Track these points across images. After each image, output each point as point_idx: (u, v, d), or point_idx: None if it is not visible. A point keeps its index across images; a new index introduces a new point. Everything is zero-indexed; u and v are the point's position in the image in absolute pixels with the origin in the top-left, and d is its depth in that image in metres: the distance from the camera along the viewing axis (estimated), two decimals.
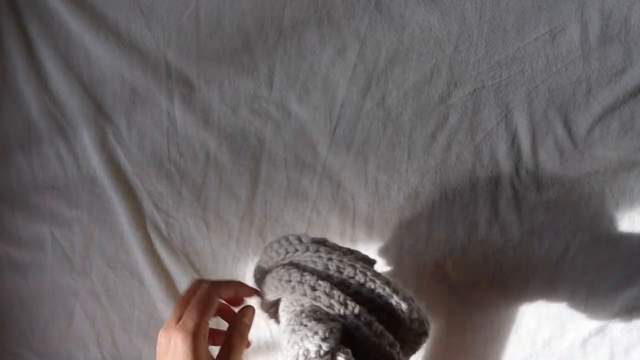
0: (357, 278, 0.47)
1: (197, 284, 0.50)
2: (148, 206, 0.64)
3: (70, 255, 0.65)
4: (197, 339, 0.45)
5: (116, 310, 0.65)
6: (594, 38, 0.60)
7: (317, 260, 0.49)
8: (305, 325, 0.44)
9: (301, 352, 0.43)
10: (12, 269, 0.65)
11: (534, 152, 0.62)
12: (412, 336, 0.49)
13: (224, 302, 0.53)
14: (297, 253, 0.50)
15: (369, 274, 0.48)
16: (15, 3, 0.61)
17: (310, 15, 0.61)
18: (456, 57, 0.61)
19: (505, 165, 0.62)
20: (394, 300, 0.47)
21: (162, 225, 0.64)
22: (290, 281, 0.48)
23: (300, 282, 0.47)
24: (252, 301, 0.54)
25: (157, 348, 0.47)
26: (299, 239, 0.52)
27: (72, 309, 0.65)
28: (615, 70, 0.60)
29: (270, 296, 0.51)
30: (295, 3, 0.60)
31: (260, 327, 0.65)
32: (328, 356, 0.43)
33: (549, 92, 0.61)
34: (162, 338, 0.47)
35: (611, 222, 0.63)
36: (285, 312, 0.49)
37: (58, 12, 0.61)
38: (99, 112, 0.62)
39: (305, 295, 0.47)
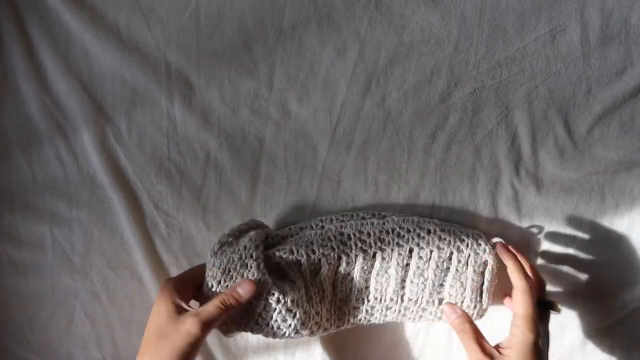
0: None
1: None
2: (148, 206, 0.64)
3: (70, 255, 0.64)
4: (208, 331, 0.50)
5: (116, 310, 0.65)
6: (594, 38, 0.60)
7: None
8: None
9: None
10: (12, 269, 0.65)
11: (534, 152, 0.62)
12: None
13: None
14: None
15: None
16: (15, 3, 0.61)
17: (310, 15, 0.60)
18: (456, 57, 0.61)
19: (505, 165, 0.62)
20: None
21: (162, 225, 0.64)
22: None
23: None
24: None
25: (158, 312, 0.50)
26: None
27: (72, 309, 0.65)
28: (615, 70, 0.60)
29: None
30: (295, 3, 0.60)
31: None
32: None
33: (549, 92, 0.61)
34: (165, 308, 0.50)
35: (611, 222, 0.63)
36: None
37: (58, 12, 0.61)
38: (99, 112, 0.62)
39: None
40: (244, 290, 0.52)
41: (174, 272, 0.64)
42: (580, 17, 0.60)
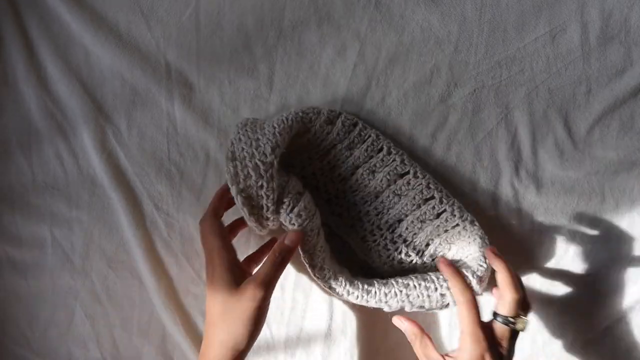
0: None
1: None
2: (148, 206, 0.64)
3: (70, 255, 0.64)
4: (272, 290, 0.51)
5: (116, 310, 0.65)
6: (594, 38, 0.60)
7: None
8: None
9: None
10: (12, 269, 0.65)
11: (534, 152, 0.62)
12: None
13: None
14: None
15: None
16: (15, 3, 0.61)
17: (310, 15, 0.61)
18: (456, 57, 0.61)
19: (505, 165, 0.62)
20: None
21: (162, 226, 0.64)
22: None
23: None
24: None
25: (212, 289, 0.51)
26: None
27: (72, 309, 0.65)
28: (615, 70, 0.60)
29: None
30: (295, 3, 0.60)
31: None
32: None
33: (549, 92, 0.61)
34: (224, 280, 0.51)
35: (611, 222, 0.63)
36: None
37: (58, 12, 0.61)
38: (99, 112, 0.62)
39: None
40: (291, 241, 0.52)
41: (174, 272, 0.64)
42: (580, 17, 0.60)
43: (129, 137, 0.63)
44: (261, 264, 0.52)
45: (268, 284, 0.50)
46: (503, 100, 0.61)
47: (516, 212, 0.63)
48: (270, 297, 0.51)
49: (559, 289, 0.64)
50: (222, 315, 0.50)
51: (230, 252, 0.52)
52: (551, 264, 0.63)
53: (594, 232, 0.63)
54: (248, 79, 0.62)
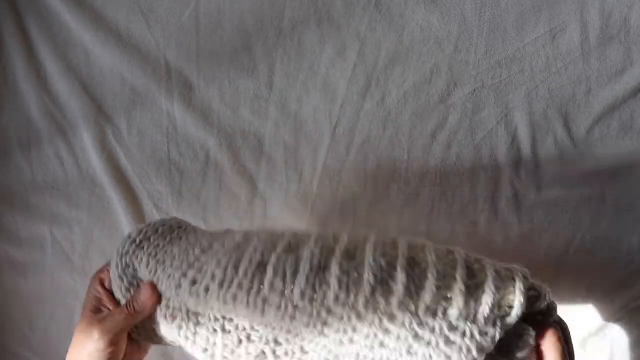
0: None
1: None
2: (148, 206, 0.64)
3: (70, 255, 0.64)
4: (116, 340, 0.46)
5: None
6: (594, 38, 0.60)
7: None
8: None
9: None
10: (12, 269, 0.65)
11: (534, 152, 0.62)
12: None
13: None
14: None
15: None
16: (15, 3, 0.61)
17: (310, 15, 0.61)
18: (456, 57, 0.61)
19: (505, 165, 0.62)
20: None
21: None
22: None
23: None
24: None
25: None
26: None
27: (72, 309, 0.65)
28: (615, 70, 0.60)
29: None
30: (295, 3, 0.60)
31: None
32: None
33: (549, 92, 0.61)
34: None
35: (611, 222, 0.63)
36: None
37: (58, 12, 0.61)
38: (99, 112, 0.62)
39: None
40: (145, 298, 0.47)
41: None
42: (580, 17, 0.60)
43: (129, 137, 0.63)
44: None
45: (115, 335, 0.46)
46: (503, 100, 0.61)
47: (516, 212, 0.63)
48: (115, 345, 0.46)
49: (559, 289, 0.64)
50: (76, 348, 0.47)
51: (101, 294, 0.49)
52: (551, 264, 0.63)
53: (594, 232, 0.63)
54: (248, 79, 0.62)
